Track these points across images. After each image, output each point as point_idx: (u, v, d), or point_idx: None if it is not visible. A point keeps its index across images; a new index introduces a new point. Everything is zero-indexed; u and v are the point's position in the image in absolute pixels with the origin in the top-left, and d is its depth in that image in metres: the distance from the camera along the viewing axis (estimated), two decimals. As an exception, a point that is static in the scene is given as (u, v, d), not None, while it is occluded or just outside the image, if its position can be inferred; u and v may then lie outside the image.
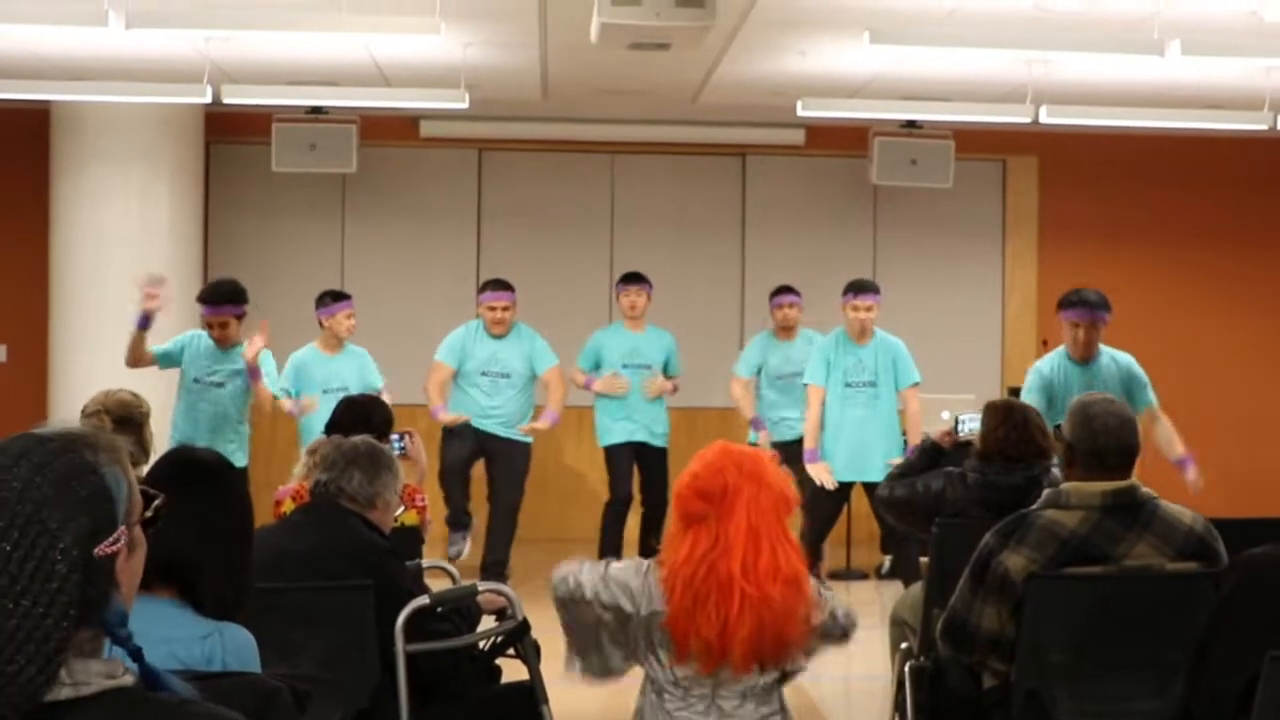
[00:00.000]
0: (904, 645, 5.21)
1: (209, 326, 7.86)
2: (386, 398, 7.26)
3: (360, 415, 5.74)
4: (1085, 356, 7.38)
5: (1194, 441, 11.18)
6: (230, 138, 11.21)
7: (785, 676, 3.61)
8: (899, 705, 4.96)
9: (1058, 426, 4.38)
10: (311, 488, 4.47)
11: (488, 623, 4.70)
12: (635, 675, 3.69)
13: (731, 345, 10.97)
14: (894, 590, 8.39)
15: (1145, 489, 4.10)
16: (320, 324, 8.68)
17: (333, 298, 8.78)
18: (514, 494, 9.27)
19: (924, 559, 5.36)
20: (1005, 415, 5.28)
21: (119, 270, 10.04)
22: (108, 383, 6.45)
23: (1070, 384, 7.32)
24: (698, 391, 10.40)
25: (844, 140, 11.22)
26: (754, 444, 9.28)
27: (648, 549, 9.48)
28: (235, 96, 8.83)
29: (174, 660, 2.73)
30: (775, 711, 3.57)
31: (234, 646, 2.88)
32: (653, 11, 6.48)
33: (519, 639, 4.41)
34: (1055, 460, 5.11)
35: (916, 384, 8.88)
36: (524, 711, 4.34)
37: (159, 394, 7.67)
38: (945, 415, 5.98)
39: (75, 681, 1.62)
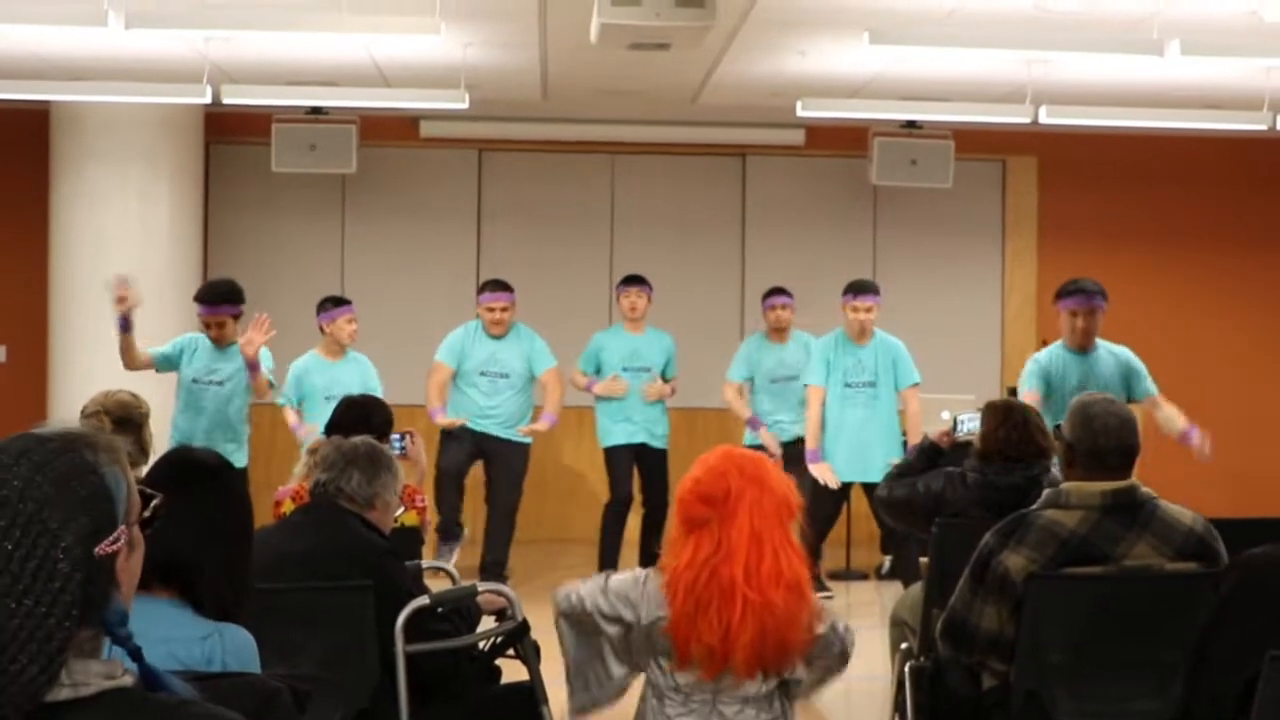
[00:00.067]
0: (904, 645, 5.21)
1: (206, 326, 7.87)
2: (386, 404, 7.26)
3: (360, 416, 5.74)
4: (1083, 345, 7.39)
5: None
6: (230, 138, 11.22)
7: (785, 686, 3.59)
8: (899, 705, 4.96)
9: (1058, 426, 4.38)
10: (311, 488, 4.47)
11: (487, 623, 4.70)
12: (635, 678, 3.69)
13: (731, 346, 10.94)
14: (894, 590, 8.39)
15: (1145, 489, 4.10)
16: (321, 330, 8.68)
17: (333, 303, 8.77)
18: (512, 494, 9.27)
19: (924, 559, 5.36)
20: (1005, 415, 5.28)
21: (119, 271, 10.03)
22: (107, 383, 6.45)
23: (1068, 373, 7.32)
24: (698, 392, 10.40)
25: (844, 140, 11.22)
26: (752, 445, 9.28)
27: (648, 551, 9.49)
28: (235, 97, 8.83)
29: (174, 661, 2.73)
30: (776, 718, 3.56)
31: (234, 647, 2.88)
32: (653, 11, 6.48)
33: (519, 639, 4.41)
34: (1055, 460, 5.11)
35: (916, 384, 8.89)
36: (524, 712, 4.34)
37: (158, 395, 7.68)
38: (945, 415, 5.97)
39: (75, 682, 1.62)
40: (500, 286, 9.27)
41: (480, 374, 9.21)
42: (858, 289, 8.89)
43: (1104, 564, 4.01)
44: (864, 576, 10.16)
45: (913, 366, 8.89)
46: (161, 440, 6.77)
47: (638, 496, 9.54)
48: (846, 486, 8.83)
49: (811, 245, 11.59)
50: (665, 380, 9.54)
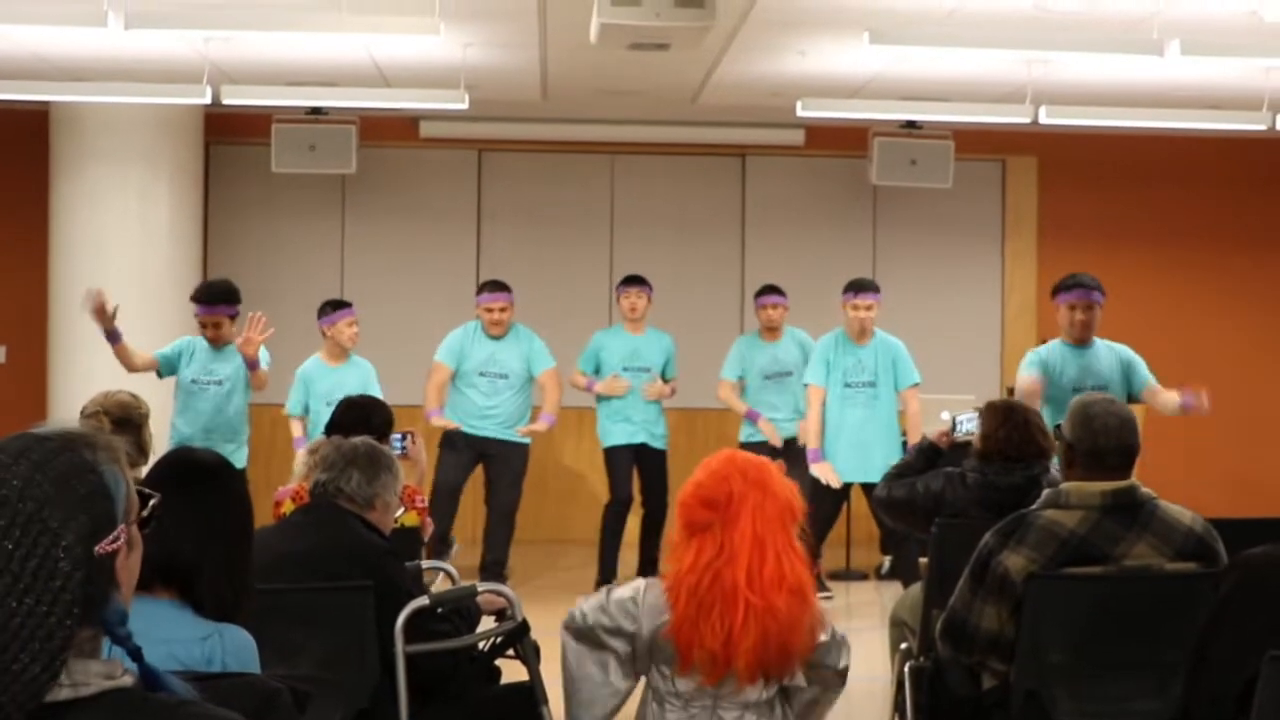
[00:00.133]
0: (904, 646, 5.21)
1: (203, 326, 7.87)
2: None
3: (360, 416, 5.74)
4: (1082, 339, 7.41)
5: (1194, 441, 11.26)
6: (230, 138, 11.22)
7: (785, 692, 3.59)
8: (899, 706, 4.96)
9: (1058, 426, 4.38)
10: (311, 488, 4.47)
11: (487, 623, 4.70)
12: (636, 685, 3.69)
13: (731, 346, 10.96)
14: (893, 591, 8.39)
15: (1145, 489, 4.10)
16: (323, 334, 8.69)
17: (333, 307, 8.78)
18: (512, 494, 9.26)
19: (923, 559, 5.36)
20: (1006, 416, 5.28)
21: (118, 271, 10.04)
22: (107, 384, 6.46)
23: (1066, 366, 7.34)
24: (697, 392, 10.40)
25: (844, 140, 11.22)
26: (750, 442, 9.28)
27: (648, 552, 9.49)
28: (235, 97, 8.83)
29: (173, 661, 2.73)
30: None
31: (234, 647, 2.88)
32: (653, 12, 6.48)
33: (519, 640, 4.41)
34: (1055, 460, 5.11)
35: (917, 384, 8.89)
36: (524, 712, 4.34)
37: (158, 395, 7.68)
38: (945, 416, 5.97)
39: (75, 682, 1.62)
40: (498, 287, 9.27)
41: (479, 374, 9.21)
42: (858, 287, 8.90)
43: (1104, 564, 4.01)
44: (864, 577, 10.16)
45: (913, 367, 8.89)
46: (161, 441, 6.77)
47: (637, 497, 9.53)
48: (846, 486, 8.84)
49: (811, 245, 11.60)
50: (665, 380, 9.54)
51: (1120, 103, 9.51)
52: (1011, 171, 11.84)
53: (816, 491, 8.50)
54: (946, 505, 5.20)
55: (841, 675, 3.64)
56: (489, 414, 9.18)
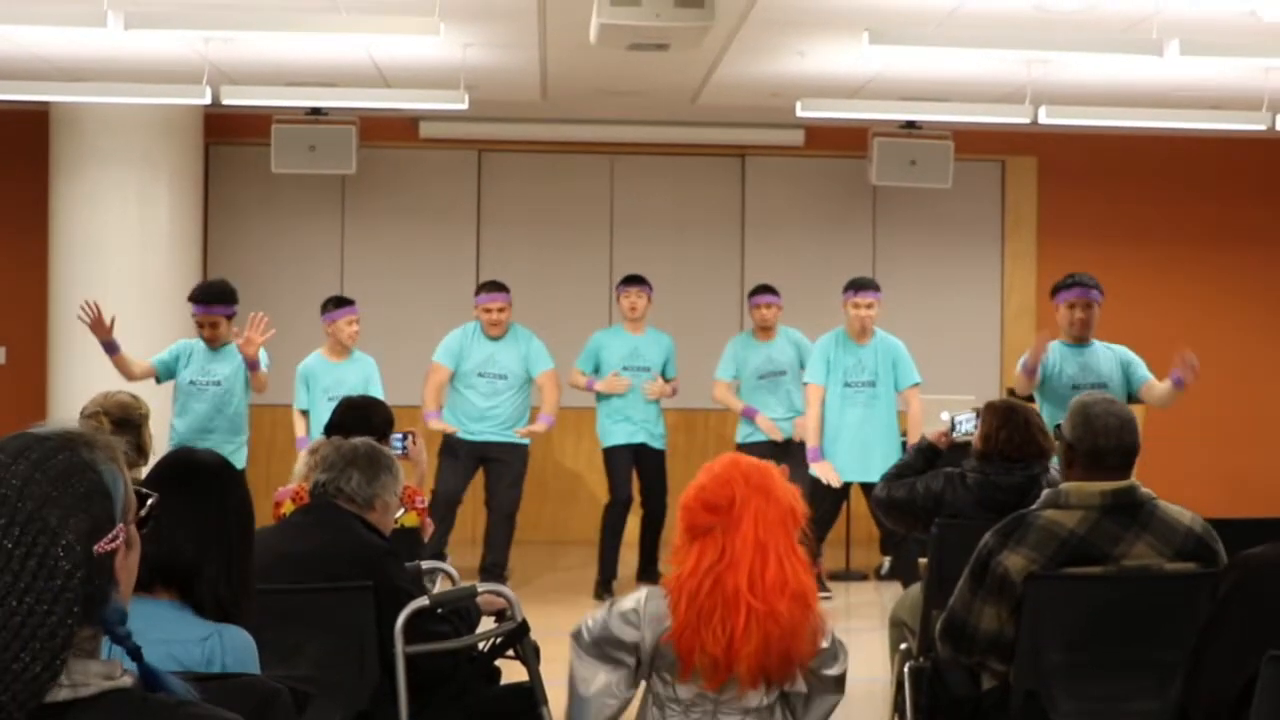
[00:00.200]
0: (903, 646, 5.21)
1: (200, 326, 7.88)
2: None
3: (360, 416, 5.74)
4: (1081, 337, 7.43)
5: (1194, 441, 11.26)
6: (229, 139, 11.22)
7: (786, 698, 3.58)
8: (898, 706, 4.96)
9: (1058, 426, 4.38)
10: (311, 489, 4.47)
11: (487, 624, 4.70)
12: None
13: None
14: (893, 591, 8.39)
15: (1144, 489, 4.10)
16: (326, 330, 8.71)
17: (335, 304, 8.80)
18: (512, 495, 9.26)
19: (923, 560, 5.36)
20: (1006, 416, 5.28)
21: (118, 272, 10.05)
22: (106, 384, 6.46)
23: (1065, 365, 7.37)
24: (697, 392, 10.40)
25: (843, 141, 11.22)
26: (747, 443, 9.28)
27: (648, 552, 9.49)
28: (234, 98, 8.83)
29: (173, 662, 2.73)
30: None
31: (233, 648, 2.88)
32: (652, 12, 6.48)
33: (518, 640, 4.41)
34: (1055, 460, 5.11)
35: (917, 384, 8.89)
36: (524, 712, 4.34)
37: (158, 396, 7.69)
38: (944, 416, 5.97)
39: (74, 682, 1.62)
40: (497, 287, 9.27)
41: (478, 375, 9.20)
42: (858, 285, 8.90)
43: (1103, 564, 4.01)
44: (863, 577, 10.16)
45: (913, 367, 8.89)
46: (160, 442, 6.77)
47: (637, 498, 9.53)
48: (846, 486, 8.84)
49: (811, 245, 11.60)
50: (665, 380, 9.54)
51: (1120, 103, 9.51)
52: (1011, 172, 11.84)
53: (816, 491, 8.51)
54: (946, 505, 5.21)
55: (838, 682, 3.64)
56: (488, 414, 9.17)
